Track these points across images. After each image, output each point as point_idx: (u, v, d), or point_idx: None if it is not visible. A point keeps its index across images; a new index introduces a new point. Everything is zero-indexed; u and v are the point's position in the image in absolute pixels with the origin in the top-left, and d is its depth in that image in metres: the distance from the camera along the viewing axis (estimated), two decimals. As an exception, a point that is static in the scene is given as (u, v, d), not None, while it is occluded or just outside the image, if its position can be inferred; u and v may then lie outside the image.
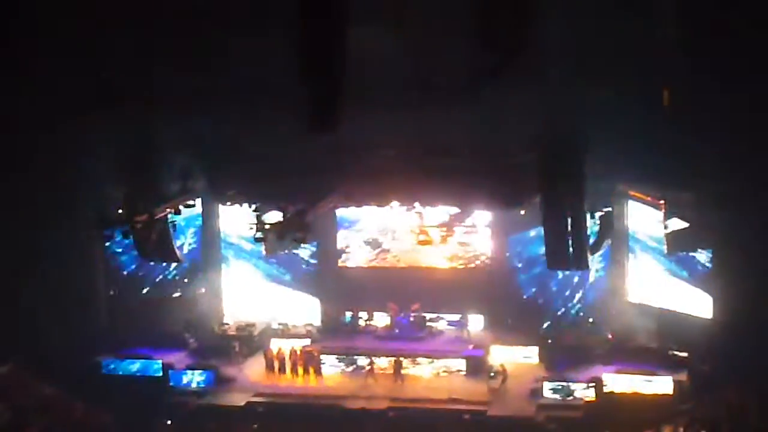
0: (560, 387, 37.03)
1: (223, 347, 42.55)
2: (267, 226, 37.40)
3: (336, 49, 25.56)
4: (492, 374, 38.53)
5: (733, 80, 29.68)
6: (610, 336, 40.76)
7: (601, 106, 30.51)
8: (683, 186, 35.48)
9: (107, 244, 42.16)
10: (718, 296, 37.08)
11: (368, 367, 39.90)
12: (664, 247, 37.13)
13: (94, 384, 39.23)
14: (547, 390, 37.14)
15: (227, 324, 44.92)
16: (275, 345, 41.61)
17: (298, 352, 40.67)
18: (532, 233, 40.88)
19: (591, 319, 41.89)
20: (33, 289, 37.99)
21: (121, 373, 40.42)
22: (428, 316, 43.44)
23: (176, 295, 44.65)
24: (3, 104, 31.21)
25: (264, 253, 41.67)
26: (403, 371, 39.55)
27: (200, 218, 44.57)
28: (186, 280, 44.88)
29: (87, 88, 30.27)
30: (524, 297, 43.07)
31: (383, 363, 40.04)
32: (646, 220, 39.88)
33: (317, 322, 44.79)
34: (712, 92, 29.88)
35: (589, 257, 36.63)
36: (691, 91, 29.87)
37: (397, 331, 43.02)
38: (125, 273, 43.64)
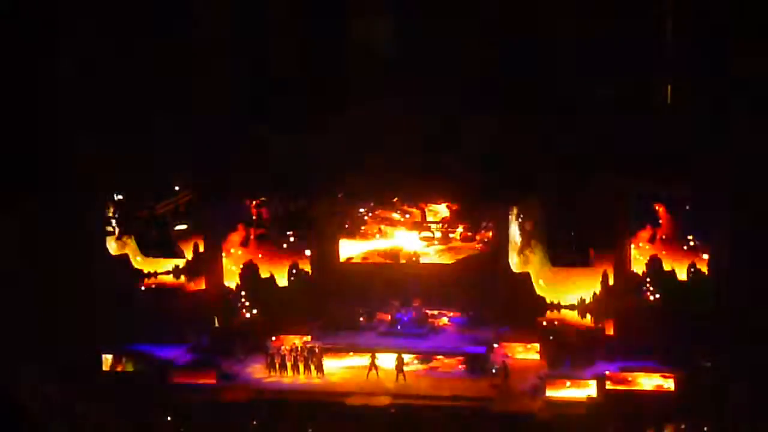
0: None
1: (224, 343, 42.37)
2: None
3: (337, 47, 25.50)
4: (494, 371, 38.36)
5: (731, 78, 29.69)
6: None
7: (603, 104, 30.49)
8: (683, 183, 35.42)
9: (109, 239, 41.90)
10: (718, 293, 36.99)
11: (370, 363, 39.76)
12: None
13: (95, 380, 39.18)
14: (550, 386, 37.01)
15: (229, 319, 44.69)
16: (277, 341, 41.43)
17: (300, 349, 40.50)
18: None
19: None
20: (35, 288, 37.90)
21: (121, 369, 40.33)
22: (430, 312, 43.26)
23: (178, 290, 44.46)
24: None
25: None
26: (404, 368, 39.36)
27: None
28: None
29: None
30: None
31: (385, 359, 39.89)
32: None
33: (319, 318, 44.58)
34: (712, 90, 29.86)
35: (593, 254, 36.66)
36: (691, 88, 29.84)
37: (398, 327, 42.84)
38: (127, 269, 43.46)
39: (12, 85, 32.23)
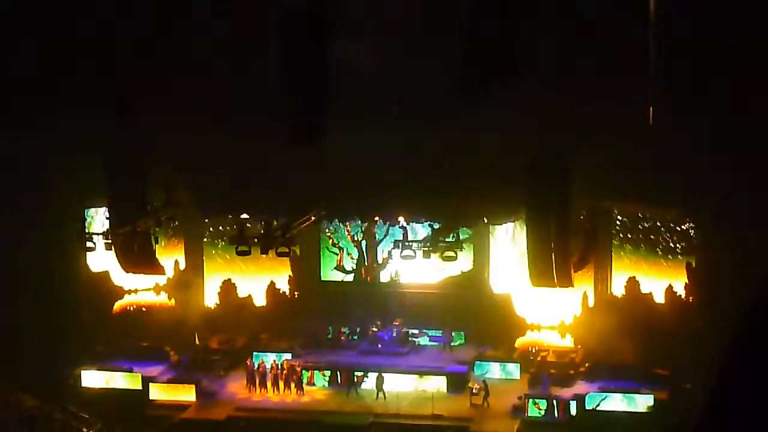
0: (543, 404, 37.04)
1: (204, 360, 42.36)
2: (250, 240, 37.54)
3: (318, 65, 25.61)
4: (474, 391, 38.42)
5: (717, 99, 30.01)
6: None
7: (587, 124, 30.71)
8: (668, 203, 35.64)
9: (89, 255, 41.79)
10: (700, 315, 37.18)
11: (350, 383, 39.86)
12: None
13: (75, 397, 39.09)
14: (530, 407, 37.08)
15: (209, 337, 44.68)
16: (257, 359, 41.41)
17: (280, 367, 40.49)
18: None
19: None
20: (14, 301, 37.78)
21: (101, 385, 40.29)
22: (410, 331, 43.31)
23: (158, 307, 44.47)
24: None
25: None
26: (385, 387, 39.36)
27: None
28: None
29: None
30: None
31: (365, 378, 39.97)
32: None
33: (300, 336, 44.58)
34: (696, 111, 30.15)
35: (573, 275, 36.79)
36: (676, 109, 30.11)
37: (379, 346, 42.86)
38: (107, 284, 43.42)
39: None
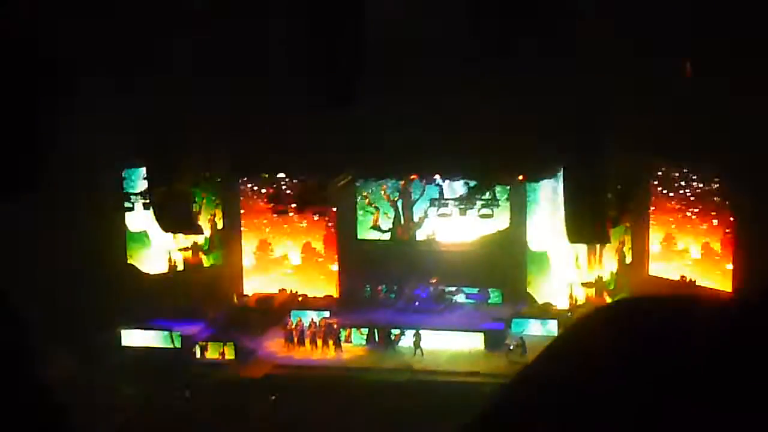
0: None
1: (242, 319, 42.64)
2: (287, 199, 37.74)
3: (354, 28, 25.50)
4: (511, 347, 38.50)
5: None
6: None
7: (623, 80, 30.55)
8: (706, 160, 35.46)
9: (128, 215, 42.12)
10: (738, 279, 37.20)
11: (388, 340, 40.08)
12: None
13: (114, 356, 39.47)
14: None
15: (247, 296, 45.00)
16: (295, 317, 41.66)
17: (318, 324, 40.72)
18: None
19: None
20: (53, 261, 38.07)
21: (140, 344, 40.67)
22: (447, 289, 43.39)
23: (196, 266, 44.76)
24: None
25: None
26: (422, 344, 39.54)
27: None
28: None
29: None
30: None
31: (403, 336, 40.16)
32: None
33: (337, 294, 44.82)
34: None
35: (610, 231, 36.69)
36: (712, 66, 29.93)
37: (416, 304, 43.01)
38: (146, 244, 43.76)
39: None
